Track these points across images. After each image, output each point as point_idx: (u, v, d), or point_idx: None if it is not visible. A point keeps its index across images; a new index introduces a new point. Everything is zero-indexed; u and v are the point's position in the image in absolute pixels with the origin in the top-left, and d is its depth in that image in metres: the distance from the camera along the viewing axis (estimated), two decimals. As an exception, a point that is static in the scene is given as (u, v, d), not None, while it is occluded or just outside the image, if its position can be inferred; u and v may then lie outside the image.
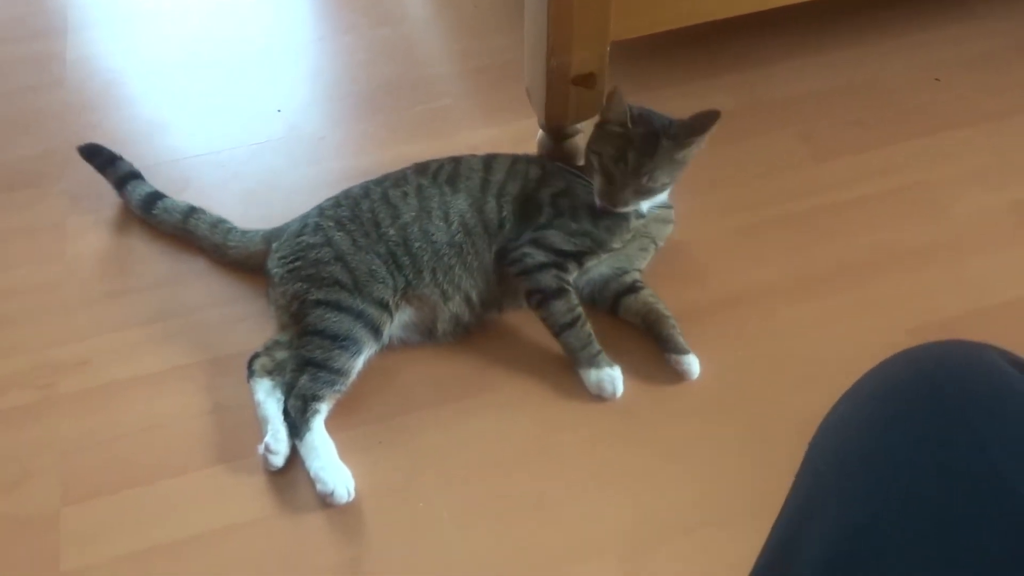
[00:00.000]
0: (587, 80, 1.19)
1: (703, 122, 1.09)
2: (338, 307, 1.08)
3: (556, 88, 1.19)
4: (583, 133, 1.28)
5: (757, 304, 1.21)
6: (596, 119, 1.16)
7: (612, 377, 1.10)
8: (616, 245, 1.15)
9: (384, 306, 1.10)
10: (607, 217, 1.14)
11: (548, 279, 1.12)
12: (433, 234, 1.13)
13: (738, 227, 1.30)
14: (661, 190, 1.14)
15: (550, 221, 1.14)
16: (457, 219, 1.14)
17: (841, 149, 1.40)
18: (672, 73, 1.50)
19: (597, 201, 1.13)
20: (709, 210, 1.31)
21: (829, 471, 0.49)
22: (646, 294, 1.17)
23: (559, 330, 1.11)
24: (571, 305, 1.12)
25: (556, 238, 1.13)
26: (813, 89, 1.52)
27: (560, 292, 1.11)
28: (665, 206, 1.21)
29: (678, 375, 1.12)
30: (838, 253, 1.26)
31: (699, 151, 1.14)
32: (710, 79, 1.51)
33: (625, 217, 1.15)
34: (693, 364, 1.11)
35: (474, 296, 1.14)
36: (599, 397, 1.10)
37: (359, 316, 1.07)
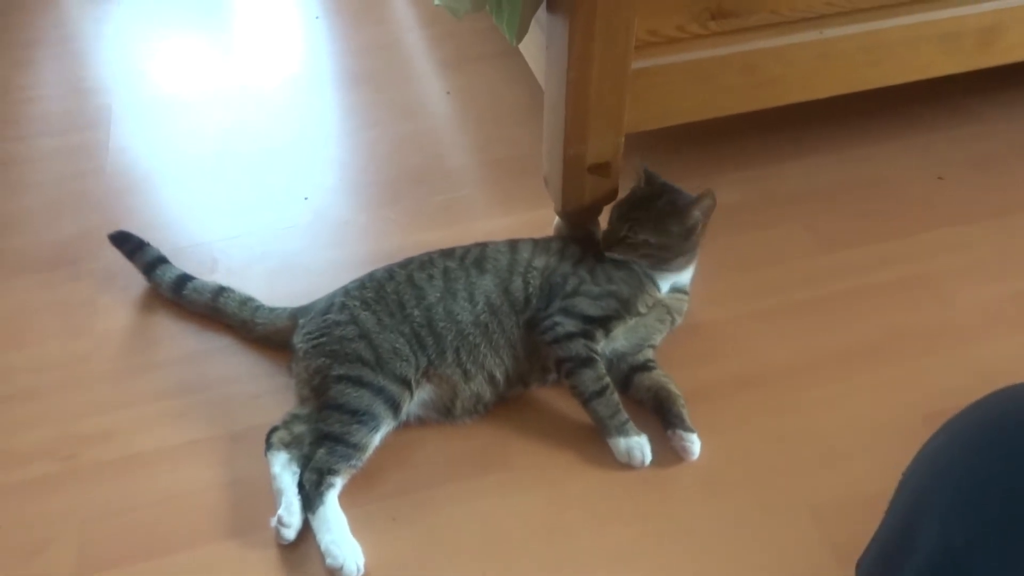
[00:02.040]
0: (602, 169, 1.22)
1: (696, 198, 1.16)
2: (359, 383, 1.09)
3: (573, 176, 1.22)
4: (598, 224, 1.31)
5: (769, 386, 1.21)
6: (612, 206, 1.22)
7: (641, 445, 1.10)
8: (641, 308, 1.17)
9: (405, 383, 1.10)
10: (622, 271, 1.17)
11: (578, 347, 1.13)
12: (458, 314, 1.14)
13: (750, 311, 1.32)
14: (642, 245, 1.16)
15: (576, 288, 1.16)
16: (483, 299, 1.15)
17: (848, 241, 1.42)
18: (684, 167, 1.54)
19: (607, 253, 1.18)
20: (722, 295, 1.33)
21: (929, 495, 0.53)
22: (659, 373, 1.18)
23: (588, 398, 1.12)
24: (599, 374, 1.13)
25: (583, 304, 1.15)
26: (821, 184, 1.55)
27: (589, 361, 1.13)
28: (683, 290, 1.24)
29: (679, 453, 1.12)
30: (848, 338, 1.27)
31: (698, 233, 1.18)
32: (719, 174, 1.55)
33: (641, 278, 1.18)
34: (694, 443, 1.10)
35: (498, 374, 1.14)
36: (627, 465, 1.11)
37: (379, 392, 1.08)
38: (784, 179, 1.58)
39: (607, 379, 1.14)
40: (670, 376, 1.19)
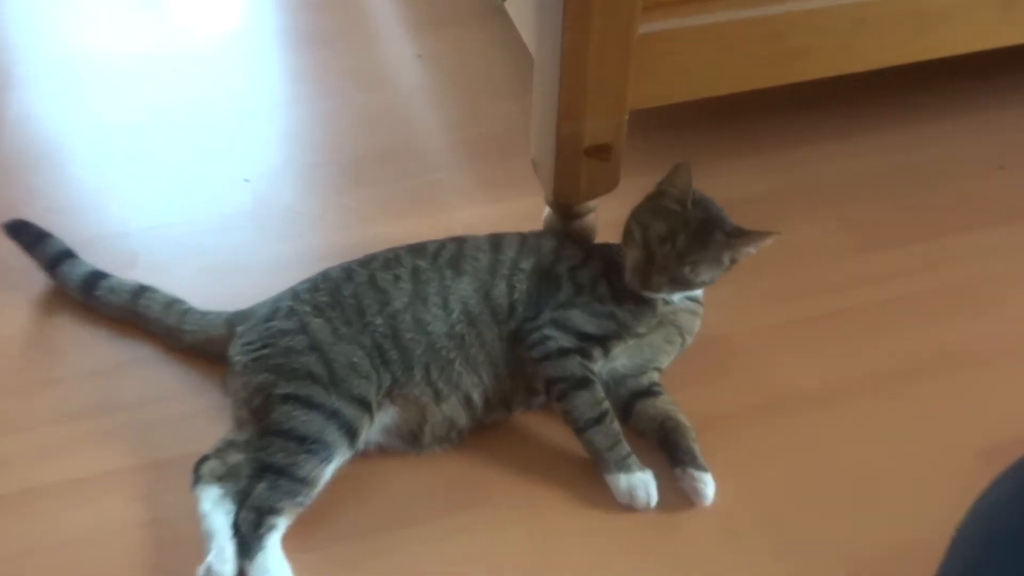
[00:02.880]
0: (601, 152, 1.21)
1: (758, 236, 1.16)
2: (309, 404, 1.08)
3: (567, 160, 1.22)
4: (596, 212, 1.31)
5: (792, 414, 1.22)
6: (652, 189, 1.20)
7: (645, 483, 1.10)
8: (642, 330, 1.18)
9: (365, 405, 1.10)
10: (631, 299, 1.18)
11: (572, 366, 1.13)
12: (429, 323, 1.14)
13: (772, 324, 1.32)
14: (698, 286, 1.18)
15: (571, 299, 1.17)
16: (459, 306, 1.16)
17: (889, 239, 1.44)
18: (697, 150, 1.53)
19: (627, 277, 1.17)
20: (739, 304, 1.33)
21: (988, 569, 0.53)
22: (665, 400, 1.19)
23: (584, 426, 1.12)
24: (597, 398, 1.13)
25: (579, 319, 1.16)
26: (856, 172, 1.56)
27: (585, 382, 1.13)
28: (696, 300, 1.25)
29: (689, 495, 1.12)
30: (888, 357, 1.28)
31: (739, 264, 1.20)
32: (738, 159, 1.55)
33: (652, 303, 1.19)
34: (708, 485, 1.11)
35: (476, 396, 1.15)
36: (629, 507, 1.10)
37: (333, 415, 1.08)
38: (814, 166, 1.57)
39: (606, 404, 1.14)
40: (678, 404, 1.19)
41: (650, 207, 1.19)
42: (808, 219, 1.46)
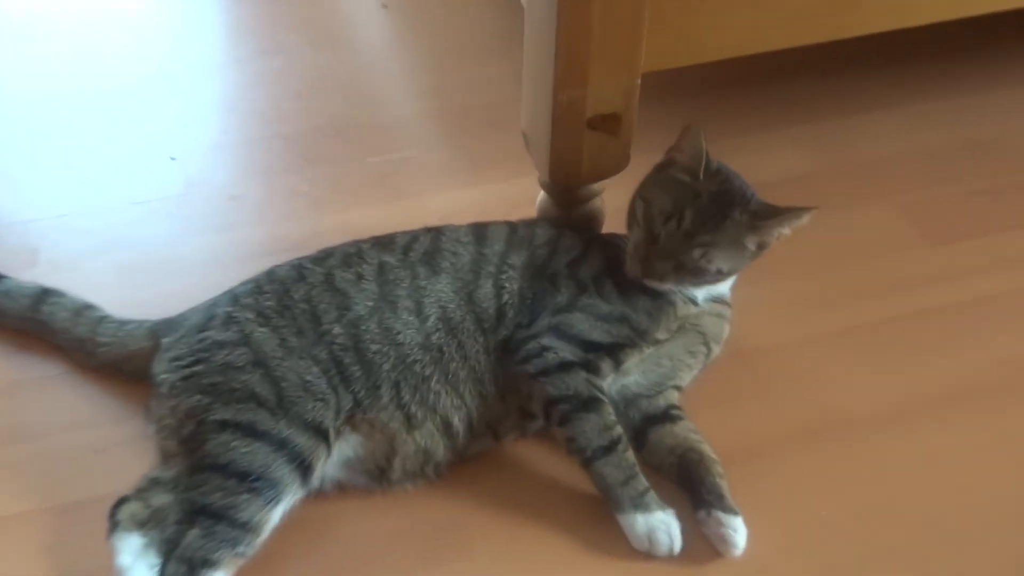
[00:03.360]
0: (609, 123, 1.22)
1: (790, 213, 1.15)
2: (252, 432, 1.07)
3: (566, 133, 1.22)
4: (602, 197, 1.32)
5: (844, 441, 1.22)
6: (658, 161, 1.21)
7: (667, 524, 1.11)
8: (661, 335, 1.19)
9: (320, 433, 1.10)
10: (646, 297, 1.19)
11: (577, 383, 1.14)
12: (399, 332, 1.15)
13: (818, 333, 1.32)
14: (711, 278, 1.19)
15: (573, 300, 1.18)
16: (436, 311, 1.17)
17: (958, 229, 1.45)
18: (723, 120, 1.53)
19: (627, 264, 1.18)
20: (777, 307, 1.34)
21: None
22: (686, 426, 1.19)
23: (592, 456, 1.12)
24: (607, 422, 1.13)
25: (583, 324, 1.17)
26: (915, 147, 1.55)
27: (593, 403, 1.13)
28: (722, 300, 1.26)
29: (715, 543, 1.12)
30: (956, 372, 1.29)
31: (769, 248, 1.20)
32: (775, 131, 1.55)
33: (670, 299, 1.20)
34: (738, 531, 1.11)
35: (457, 421, 1.16)
36: (648, 553, 1.10)
37: (281, 446, 1.07)
38: (865, 140, 1.56)
39: (618, 429, 1.14)
40: (702, 431, 1.19)
41: (656, 180, 1.20)
42: (860, 205, 1.46)
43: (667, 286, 1.19)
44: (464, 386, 1.16)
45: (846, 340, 1.32)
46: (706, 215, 1.16)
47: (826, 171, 1.50)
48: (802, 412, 1.25)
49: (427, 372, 1.15)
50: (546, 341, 1.15)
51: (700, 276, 1.19)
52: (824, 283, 1.38)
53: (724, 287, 1.25)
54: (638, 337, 1.18)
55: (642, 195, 1.20)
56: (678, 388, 1.23)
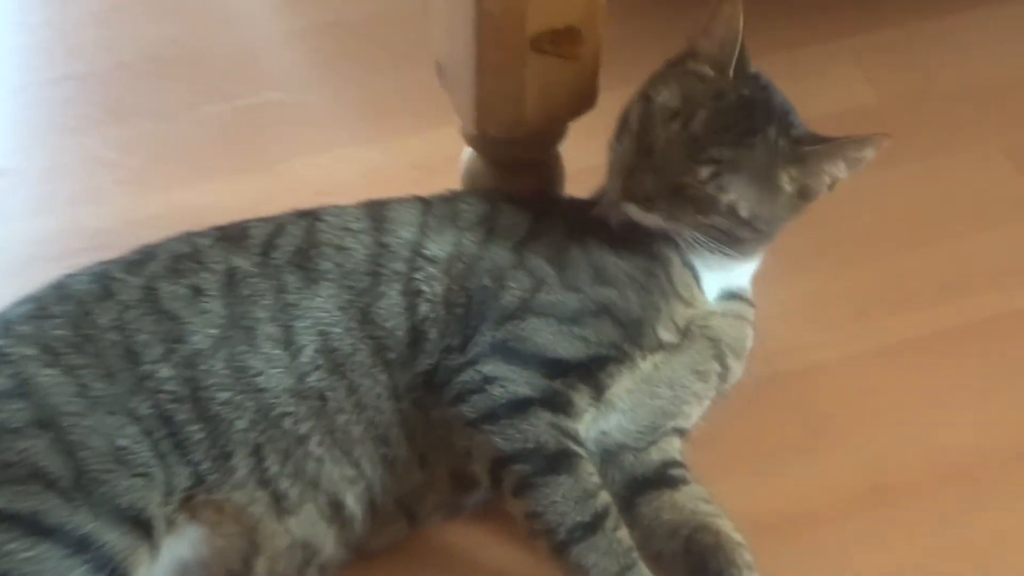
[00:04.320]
0: (564, 42, 1.21)
1: (848, 143, 1.18)
2: (36, 527, 1.06)
3: (499, 59, 1.22)
4: (560, 153, 1.33)
5: (930, 502, 1.26)
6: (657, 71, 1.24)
7: None
8: (663, 333, 1.20)
9: (140, 525, 1.08)
10: (634, 252, 1.20)
11: (539, 430, 1.13)
12: (259, 374, 1.15)
13: (884, 344, 1.36)
14: (724, 222, 1.20)
15: (525, 300, 1.19)
16: (313, 340, 1.16)
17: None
18: (748, 32, 1.54)
19: (608, 185, 1.21)
20: (824, 308, 1.37)
21: None
22: (694, 493, 1.21)
23: (567, 539, 1.11)
24: (587, 486, 1.12)
25: (543, 334, 1.17)
26: (1017, 72, 1.60)
27: (565, 458, 1.12)
28: (742, 296, 1.28)
29: None
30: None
31: (816, 199, 1.22)
32: (826, 43, 1.57)
33: (668, 272, 1.21)
34: None
35: (350, 501, 1.16)
36: None
37: (82, 547, 1.05)
38: (958, 53, 1.60)
39: (604, 496, 1.13)
40: (720, 503, 1.19)
41: (667, 73, 1.23)
42: (950, 150, 1.52)
43: (653, 219, 1.19)
44: (360, 448, 1.16)
45: (928, 352, 1.36)
46: (727, 120, 1.18)
47: (898, 102, 1.55)
48: (863, 463, 1.28)
49: (303, 430, 1.14)
50: (489, 368, 1.15)
51: (706, 209, 1.19)
52: (891, 269, 1.41)
53: (744, 275, 1.28)
54: (629, 340, 1.18)
55: (647, 93, 1.21)
56: (680, 432, 1.24)
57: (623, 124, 1.22)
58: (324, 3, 1.65)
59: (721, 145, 1.16)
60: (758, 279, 1.30)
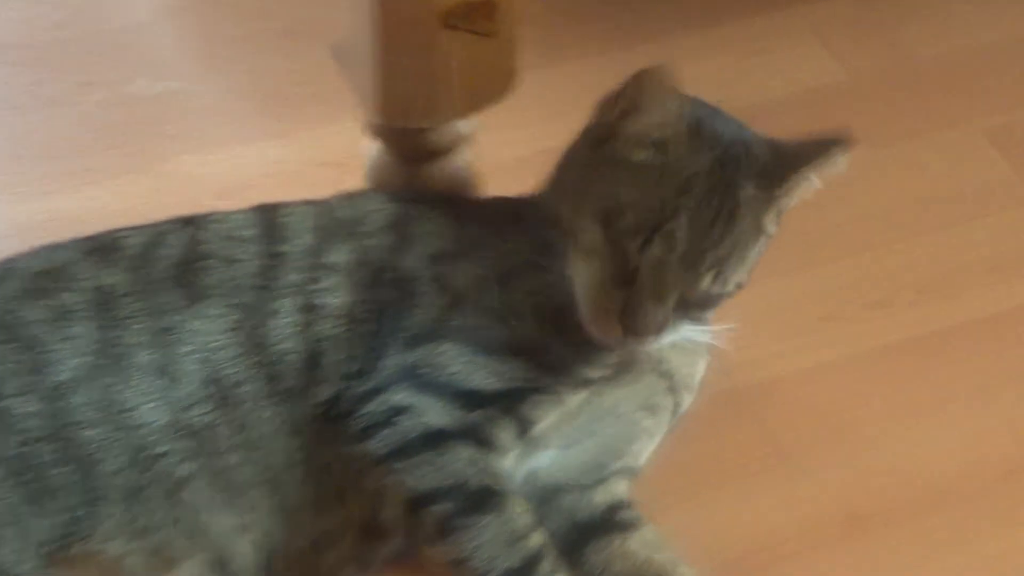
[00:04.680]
0: (478, 16, 1.21)
1: (817, 154, 1.15)
2: None
3: (406, 38, 1.21)
4: (474, 144, 1.32)
5: (912, 526, 1.26)
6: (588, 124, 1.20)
7: None
8: (592, 372, 1.18)
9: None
10: (565, 301, 1.16)
11: (459, 466, 1.12)
12: (133, 409, 1.11)
13: (857, 350, 1.38)
14: (729, 295, 1.19)
15: (440, 320, 1.17)
16: (197, 369, 1.14)
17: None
18: (681, 8, 1.52)
19: (587, 323, 1.15)
20: (790, 310, 1.40)
21: None
22: (646, 538, 1.20)
23: None
24: (517, 526, 1.11)
25: (459, 361, 1.15)
26: (1007, 36, 1.60)
27: (489, 497, 1.11)
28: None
29: None
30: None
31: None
32: (771, 12, 1.56)
33: None
34: None
35: (240, 554, 1.13)
36: None
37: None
38: (926, 20, 1.61)
39: (537, 537, 1.12)
40: (677, 547, 1.19)
41: (597, 170, 1.18)
42: (927, 133, 1.52)
43: (666, 339, 1.16)
44: (252, 493, 1.13)
45: (905, 360, 1.37)
46: (709, 212, 1.13)
47: (867, 79, 1.53)
48: (838, 488, 1.28)
49: (183, 472, 1.11)
50: (399, 397, 1.13)
51: (711, 305, 1.19)
52: (863, 268, 1.42)
53: None
54: (553, 376, 1.16)
55: (581, 204, 1.16)
56: (629, 472, 1.23)
57: (572, 238, 1.16)
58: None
59: (716, 245, 1.13)
60: (763, 334, 1.32)
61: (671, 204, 1.12)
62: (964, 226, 1.49)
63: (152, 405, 1.11)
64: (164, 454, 1.10)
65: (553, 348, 1.17)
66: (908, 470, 1.31)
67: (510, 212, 1.25)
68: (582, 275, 1.15)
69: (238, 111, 1.51)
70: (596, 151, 1.17)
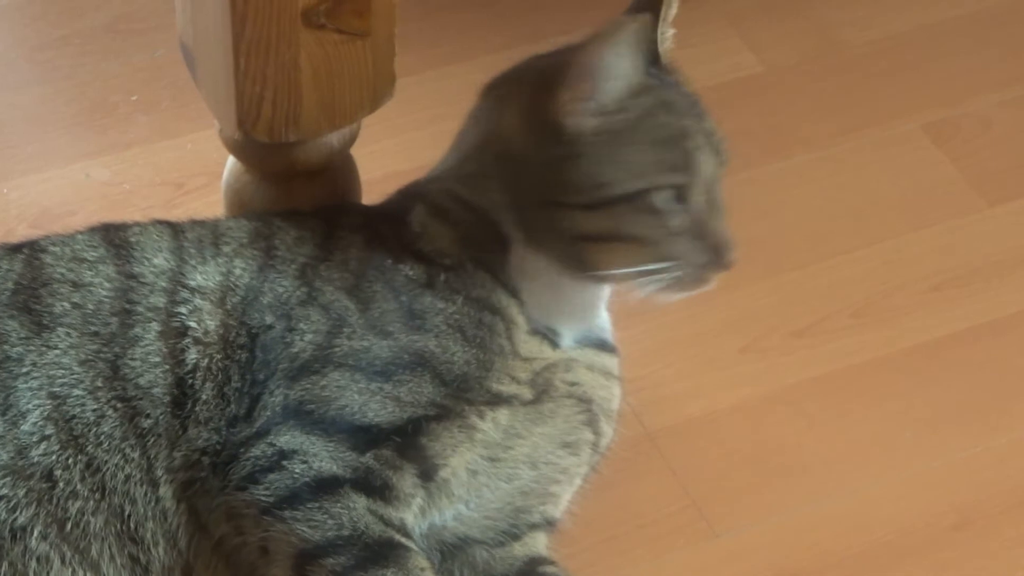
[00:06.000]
0: (346, 12, 1.23)
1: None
2: None
3: (262, 39, 1.22)
4: (348, 155, 1.36)
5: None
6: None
7: None
8: (497, 383, 1.22)
9: None
10: (452, 301, 1.22)
11: (355, 515, 1.14)
12: None
13: (784, 384, 1.42)
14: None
15: (324, 346, 1.20)
16: (40, 404, 1.16)
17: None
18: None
19: (677, 288, 1.23)
20: (705, 341, 1.43)
21: None
22: None
23: None
24: None
25: (349, 393, 1.18)
26: (944, 19, 1.66)
27: (388, 550, 1.14)
28: (605, 344, 1.32)
29: None
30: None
31: None
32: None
33: (500, 307, 1.25)
34: None
35: None
36: None
37: None
38: (850, 3, 1.66)
39: None
40: None
41: (581, 154, 1.22)
42: (858, 130, 1.57)
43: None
44: (101, 547, 1.15)
45: (840, 393, 1.43)
46: (709, 118, 1.26)
47: (791, 72, 1.60)
48: (768, 545, 1.33)
49: (21, 520, 1.14)
50: (285, 440, 1.16)
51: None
52: (789, 289, 1.48)
53: (603, 310, 1.33)
54: (456, 392, 1.20)
55: (634, 194, 1.21)
56: (548, 525, 1.27)
57: (641, 205, 1.21)
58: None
59: (720, 148, 1.24)
60: (615, 313, 1.33)
61: (688, 131, 1.21)
62: (904, 238, 1.51)
63: None
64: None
65: (453, 353, 1.20)
66: (845, 522, 1.35)
67: (381, 222, 1.27)
68: (629, 256, 1.20)
69: (56, 125, 1.52)
70: (555, 139, 1.21)
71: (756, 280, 1.47)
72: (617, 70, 1.18)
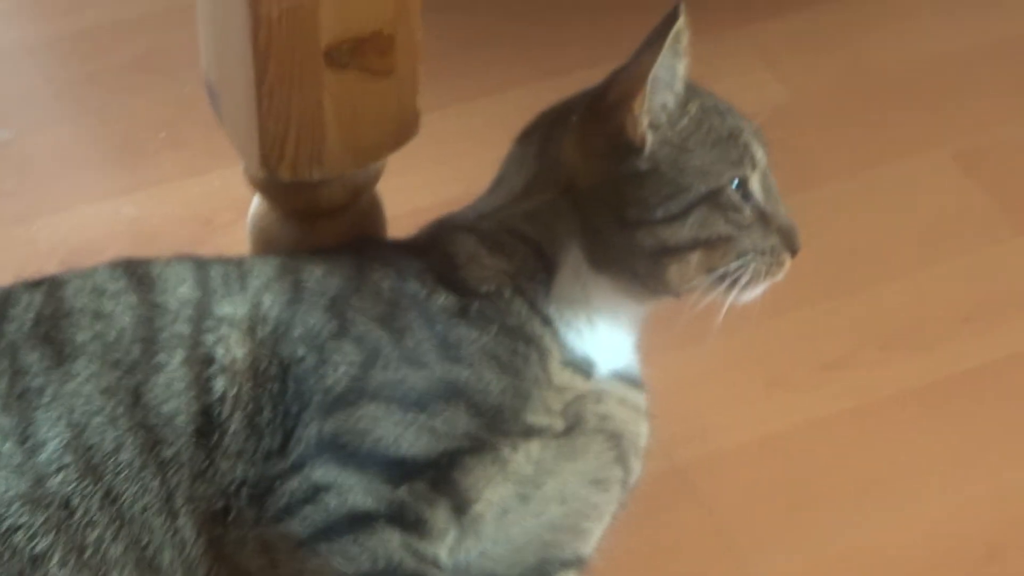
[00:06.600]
0: (371, 52, 1.23)
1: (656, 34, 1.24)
2: None
3: (287, 78, 1.23)
4: (376, 193, 1.35)
5: None
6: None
7: None
8: (534, 417, 1.21)
9: None
10: (486, 333, 1.22)
11: (389, 550, 1.14)
12: None
13: (810, 418, 1.42)
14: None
15: (359, 379, 1.19)
16: (59, 433, 1.15)
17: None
18: (616, 22, 1.58)
19: (759, 278, 1.25)
20: (731, 376, 1.43)
21: None
22: None
23: None
24: None
25: (384, 425, 1.17)
26: (972, 46, 1.66)
27: None
28: (634, 380, 1.31)
29: None
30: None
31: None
32: (722, 30, 1.62)
33: (535, 338, 1.24)
34: None
35: None
36: None
37: None
38: (877, 32, 1.67)
39: None
40: None
41: (650, 171, 1.24)
42: (888, 160, 1.58)
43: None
44: (119, 575, 1.15)
45: (867, 428, 1.42)
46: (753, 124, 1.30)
47: (819, 102, 1.60)
48: (807, 575, 1.33)
49: (39, 548, 1.13)
50: (320, 473, 1.16)
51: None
52: (815, 323, 1.47)
53: (631, 346, 1.31)
54: (489, 428, 1.20)
55: (706, 193, 1.23)
56: (579, 563, 1.26)
57: (715, 204, 1.23)
58: (65, 7, 1.66)
59: (763, 138, 1.29)
60: (643, 350, 1.31)
61: (738, 127, 1.25)
62: (934, 268, 1.51)
63: (2, 473, 1.13)
64: (17, 527, 1.12)
65: (488, 382, 1.20)
66: (875, 556, 1.35)
67: (410, 255, 1.27)
68: (711, 260, 1.22)
69: (85, 162, 1.53)
70: (624, 159, 1.23)
71: (785, 312, 1.45)
72: (670, 80, 1.21)
